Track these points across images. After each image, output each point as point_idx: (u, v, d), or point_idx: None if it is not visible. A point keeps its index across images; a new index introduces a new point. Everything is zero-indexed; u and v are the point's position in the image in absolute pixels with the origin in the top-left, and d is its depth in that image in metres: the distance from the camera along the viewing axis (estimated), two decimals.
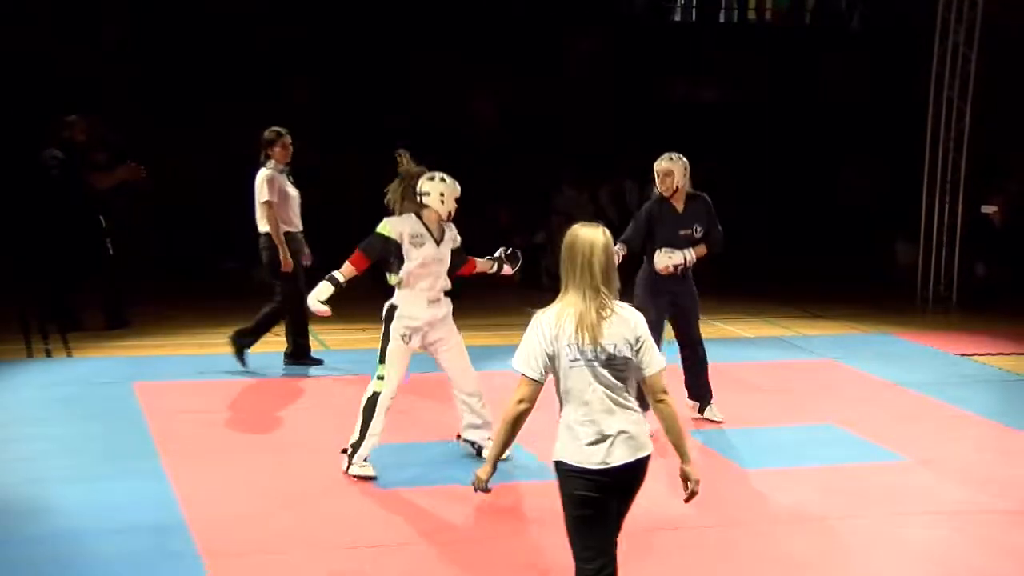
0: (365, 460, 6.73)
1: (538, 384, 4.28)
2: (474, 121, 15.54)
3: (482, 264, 7.31)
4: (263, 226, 8.98)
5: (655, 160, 7.74)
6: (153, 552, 5.68)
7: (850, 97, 16.29)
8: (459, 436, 7.24)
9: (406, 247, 6.72)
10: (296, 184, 9.19)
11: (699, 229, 7.77)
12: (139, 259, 12.37)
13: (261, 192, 8.92)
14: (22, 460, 7.06)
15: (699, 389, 8.10)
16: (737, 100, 16.44)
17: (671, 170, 7.66)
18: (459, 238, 6.99)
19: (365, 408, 6.74)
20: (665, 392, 4.33)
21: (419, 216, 6.80)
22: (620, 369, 4.28)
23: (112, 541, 5.80)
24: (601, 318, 4.25)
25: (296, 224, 9.16)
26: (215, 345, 10.39)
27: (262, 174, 8.94)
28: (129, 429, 7.71)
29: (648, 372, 4.32)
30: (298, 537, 5.92)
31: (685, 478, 4.37)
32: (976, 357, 10.33)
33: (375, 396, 6.73)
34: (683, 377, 8.04)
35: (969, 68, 12.83)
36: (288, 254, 8.96)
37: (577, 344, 4.24)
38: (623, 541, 5.65)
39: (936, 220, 13.31)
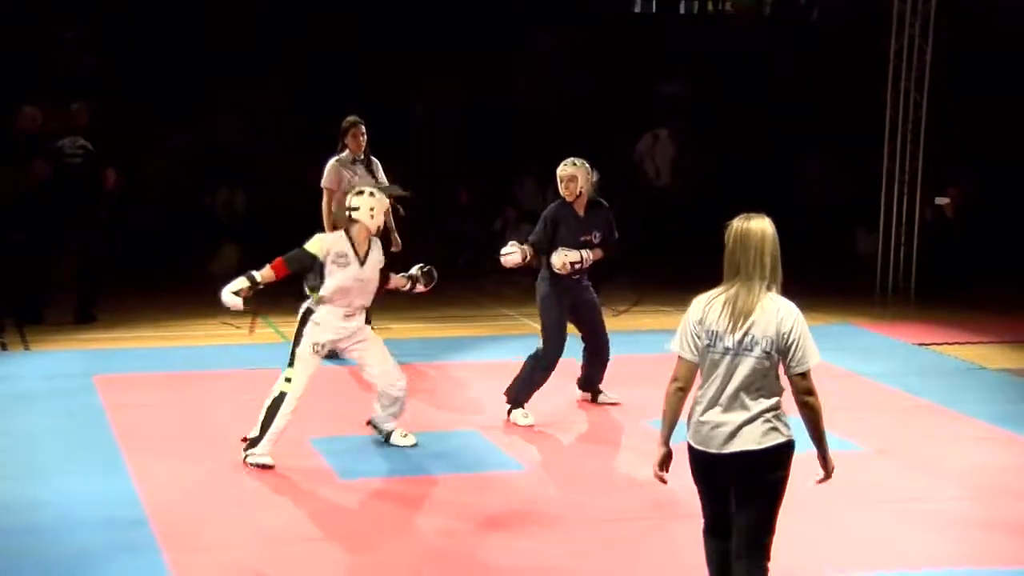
0: (264, 452, 6.72)
1: (692, 363, 4.42)
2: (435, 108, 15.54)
3: (396, 280, 7.20)
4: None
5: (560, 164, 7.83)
6: (114, 546, 5.65)
7: (808, 89, 16.39)
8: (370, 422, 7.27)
9: (329, 266, 6.71)
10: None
11: (598, 235, 7.86)
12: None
13: (324, 178, 9.03)
14: None
15: (592, 380, 8.26)
16: (697, 93, 16.51)
17: (575, 175, 7.73)
18: (383, 259, 6.94)
19: (269, 407, 6.73)
20: (812, 393, 4.33)
21: (348, 232, 6.77)
22: (754, 362, 4.31)
23: (72, 536, 5.76)
24: (754, 309, 4.31)
25: None
26: (175, 337, 10.34)
27: (330, 161, 9.03)
28: (89, 423, 7.65)
29: (796, 370, 4.32)
30: (259, 530, 5.91)
31: (823, 467, 4.47)
32: (935, 347, 10.43)
33: (281, 396, 6.72)
34: (580, 370, 8.24)
35: (925, 60, 12.95)
36: None
37: (716, 331, 4.35)
38: (581, 531, 5.67)
39: (895, 210, 13.44)
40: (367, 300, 6.91)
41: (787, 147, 16.31)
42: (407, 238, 9.22)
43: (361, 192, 6.84)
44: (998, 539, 6.04)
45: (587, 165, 7.79)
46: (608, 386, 8.61)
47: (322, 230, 8.87)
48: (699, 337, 4.40)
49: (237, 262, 13.76)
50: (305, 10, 14.92)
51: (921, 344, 10.53)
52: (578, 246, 7.75)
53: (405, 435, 7.17)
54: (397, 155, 10.69)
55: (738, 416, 4.32)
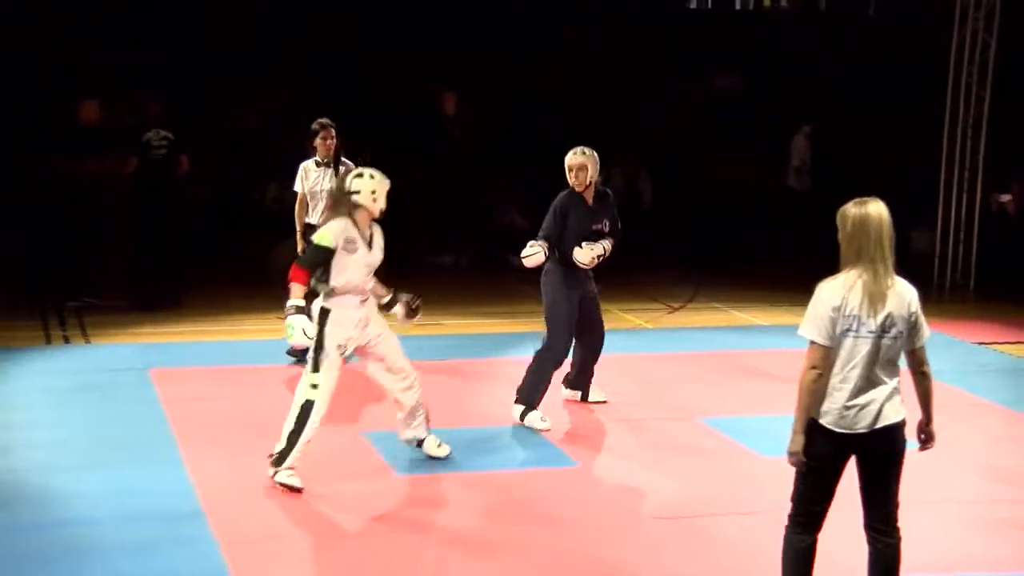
0: (292, 470, 6.42)
1: (828, 349, 4.50)
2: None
3: (378, 287, 6.84)
4: (304, 218, 8.94)
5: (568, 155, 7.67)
6: (170, 538, 5.70)
7: (865, 84, 16.21)
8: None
9: (339, 254, 6.41)
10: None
11: (607, 224, 7.79)
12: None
13: (296, 182, 8.98)
14: (39, 447, 7.10)
15: (582, 378, 8.11)
16: (758, 89, 16.39)
17: (585, 164, 7.61)
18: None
19: (298, 417, 6.42)
20: (928, 364, 4.63)
21: (351, 217, 6.48)
22: (891, 342, 4.51)
23: (128, 528, 5.82)
24: (887, 291, 4.49)
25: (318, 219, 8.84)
26: (231, 332, 10.44)
27: (301, 165, 8.96)
28: (145, 416, 7.74)
29: (918, 344, 4.59)
30: (314, 524, 5.94)
31: (923, 431, 4.73)
32: (994, 345, 10.28)
33: (309, 404, 6.42)
34: (569, 368, 8.07)
35: (988, 54, 12.75)
36: (302, 244, 8.80)
37: (859, 316, 4.47)
38: (642, 528, 5.65)
39: (954, 207, 13.25)
40: (374, 282, 6.67)
41: (843, 144, 16.15)
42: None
43: (360, 175, 6.52)
44: None
45: (595, 154, 7.67)
46: (668, 383, 8.60)
47: (294, 232, 8.88)
48: (836, 323, 4.49)
49: (292, 257, 13.91)
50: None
51: (980, 343, 10.38)
52: (589, 236, 7.67)
53: (440, 444, 6.93)
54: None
55: (880, 393, 4.52)
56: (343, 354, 6.53)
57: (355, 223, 6.47)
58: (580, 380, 8.15)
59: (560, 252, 7.63)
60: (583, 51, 16.23)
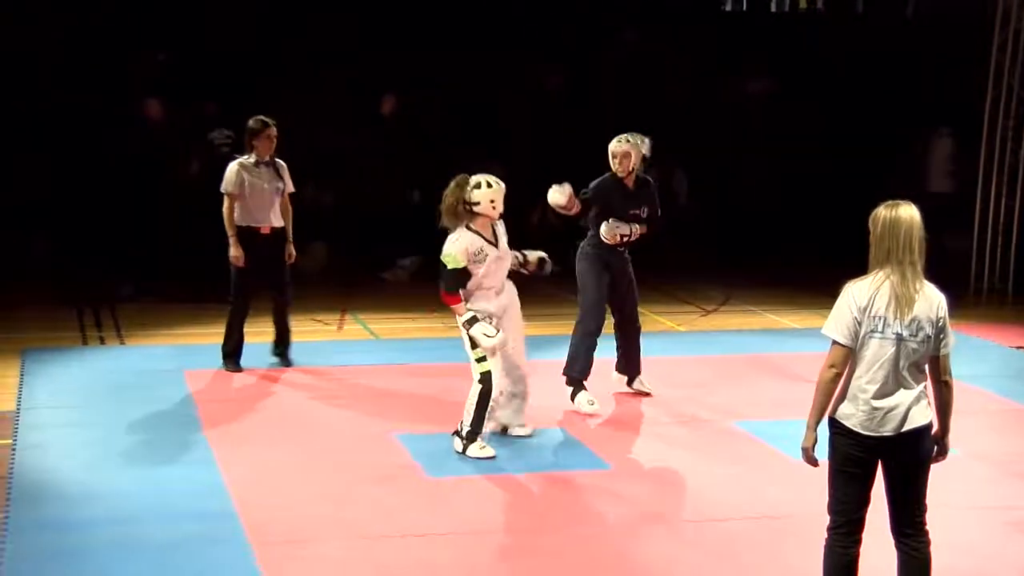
0: (483, 444, 6.89)
1: (848, 350, 4.52)
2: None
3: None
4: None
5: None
6: (203, 538, 5.73)
7: (903, 85, 16.07)
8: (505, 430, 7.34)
9: (470, 267, 6.80)
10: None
11: (646, 210, 8.01)
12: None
13: (223, 181, 8.65)
14: (74, 447, 7.15)
15: (628, 364, 8.33)
16: (794, 91, 16.27)
17: (629, 152, 7.85)
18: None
19: (480, 394, 6.82)
20: (950, 374, 4.60)
21: (469, 227, 6.82)
22: (917, 346, 4.51)
23: (162, 527, 5.85)
24: (915, 295, 4.48)
25: (259, 220, 8.74)
26: (265, 333, 10.48)
27: (231, 164, 8.70)
28: (179, 416, 7.79)
29: (943, 351, 4.56)
30: (346, 525, 5.95)
31: (937, 443, 4.65)
32: None
33: (487, 375, 6.81)
34: (616, 351, 8.33)
35: None
36: (237, 247, 8.64)
37: (885, 317, 4.48)
38: (673, 531, 5.64)
39: (992, 209, 13.11)
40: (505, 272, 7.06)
41: (882, 145, 16.01)
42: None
43: (479, 185, 6.81)
44: None
45: (645, 142, 7.90)
46: (701, 386, 8.56)
47: (224, 234, 8.68)
48: (860, 324, 4.50)
49: (326, 259, 13.97)
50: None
51: (1018, 347, 10.27)
52: (627, 220, 7.88)
53: (523, 425, 7.36)
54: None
55: (907, 396, 4.50)
56: (499, 331, 6.83)
57: (475, 231, 6.81)
58: (625, 366, 8.37)
59: (594, 231, 7.89)
60: (619, 52, 16.19)
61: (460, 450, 6.92)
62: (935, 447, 4.64)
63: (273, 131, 8.70)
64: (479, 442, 6.91)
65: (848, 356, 4.54)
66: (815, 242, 14.94)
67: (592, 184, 7.96)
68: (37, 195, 12.80)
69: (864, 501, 4.61)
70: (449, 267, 6.79)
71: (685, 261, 14.28)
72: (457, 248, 6.78)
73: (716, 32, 16.49)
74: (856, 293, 4.54)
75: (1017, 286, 13.06)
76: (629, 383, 8.37)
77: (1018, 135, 12.84)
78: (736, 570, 5.54)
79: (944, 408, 4.62)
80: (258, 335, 10.42)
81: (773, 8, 17.99)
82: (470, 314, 6.79)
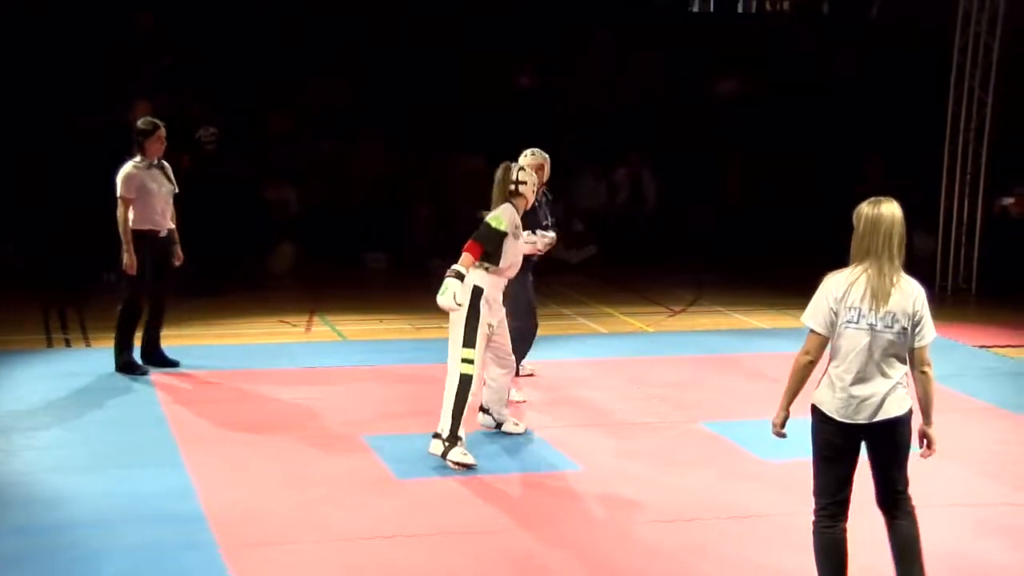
0: (463, 449, 6.76)
1: (824, 338, 4.70)
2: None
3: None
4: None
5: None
6: (171, 542, 5.70)
7: (868, 89, 16.21)
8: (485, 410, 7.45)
9: (508, 238, 6.86)
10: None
11: (552, 220, 8.26)
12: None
13: (118, 187, 8.49)
14: (41, 449, 7.10)
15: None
16: (755, 92, 16.39)
17: (543, 164, 8.06)
18: None
19: (458, 394, 6.74)
20: (929, 364, 4.73)
21: (514, 205, 6.97)
22: (893, 337, 4.64)
23: (130, 531, 5.82)
24: (891, 288, 4.62)
25: (158, 223, 8.65)
26: (232, 335, 10.45)
27: (123, 168, 8.54)
28: (147, 419, 7.74)
29: (920, 343, 4.68)
30: (316, 527, 5.94)
31: (924, 435, 4.82)
32: (996, 349, 10.28)
33: (467, 378, 6.74)
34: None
35: (991, 58, 12.74)
36: (133, 254, 8.49)
37: (860, 309, 4.62)
38: (643, 531, 5.66)
39: (955, 211, 13.23)
40: None
41: (845, 146, 16.15)
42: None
43: (523, 168, 7.07)
44: None
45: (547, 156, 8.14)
46: (669, 386, 8.61)
47: (118, 241, 8.51)
48: (836, 314, 4.65)
49: (293, 260, 13.95)
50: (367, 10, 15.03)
51: (982, 346, 10.37)
52: (542, 230, 8.07)
53: (516, 423, 7.45)
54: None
55: (883, 386, 4.64)
56: (489, 334, 6.89)
57: (516, 210, 6.95)
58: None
59: None
60: (587, 54, 16.25)
61: (439, 453, 6.80)
62: (916, 436, 4.77)
63: (163, 132, 8.63)
64: (460, 448, 6.77)
65: (823, 344, 4.70)
66: (784, 242, 15.05)
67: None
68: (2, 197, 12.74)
69: (844, 484, 4.76)
70: (493, 226, 6.83)
71: (653, 262, 14.36)
72: (505, 214, 6.88)
73: (684, 33, 16.58)
74: (833, 284, 4.70)
75: (980, 286, 13.19)
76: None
77: (980, 136, 12.97)
78: (706, 569, 5.57)
79: (924, 398, 4.75)
80: (224, 337, 10.39)
81: (740, 10, 18.12)
82: (464, 271, 6.67)
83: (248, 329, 10.73)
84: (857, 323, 4.64)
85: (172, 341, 9.45)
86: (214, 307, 11.46)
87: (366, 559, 5.60)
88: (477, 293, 6.78)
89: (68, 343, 10.09)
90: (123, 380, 8.66)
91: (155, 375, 8.78)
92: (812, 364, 4.73)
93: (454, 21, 15.29)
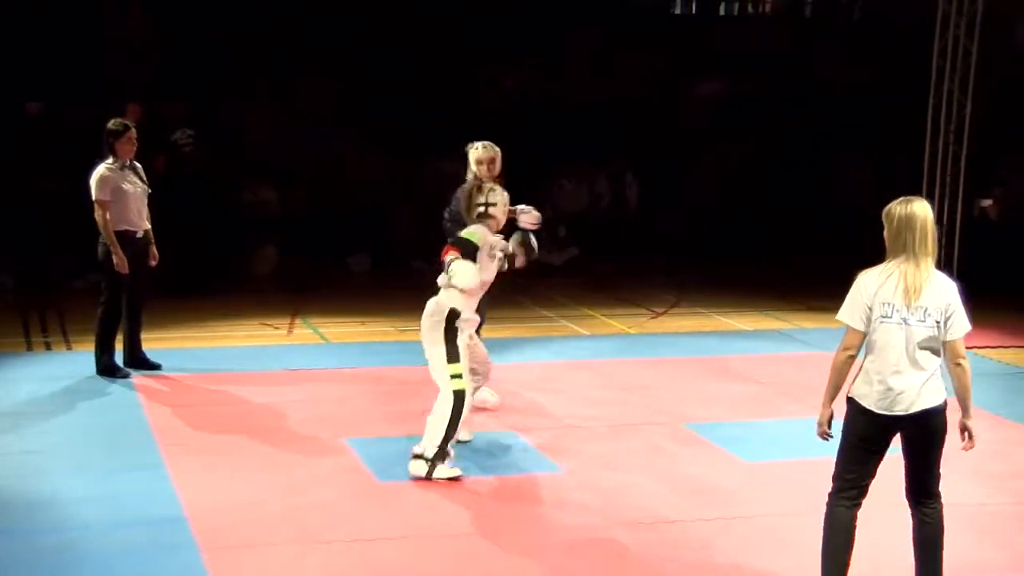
0: (450, 463, 6.66)
1: (861, 334, 4.83)
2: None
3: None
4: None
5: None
6: (152, 545, 5.69)
7: (849, 89, 16.28)
8: None
9: (482, 259, 6.71)
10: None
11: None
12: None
13: (93, 190, 8.46)
14: (22, 453, 7.07)
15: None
16: (739, 93, 16.43)
17: (494, 158, 7.99)
18: None
19: (453, 410, 6.57)
20: (963, 357, 4.87)
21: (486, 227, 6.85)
22: (927, 331, 4.79)
23: (112, 534, 5.80)
24: (924, 283, 4.78)
25: (134, 223, 8.63)
26: (214, 338, 10.43)
27: (97, 170, 8.49)
28: (129, 422, 7.72)
29: (952, 336, 4.83)
30: (296, 530, 5.93)
31: (964, 429, 4.94)
32: (976, 350, 10.30)
33: (461, 393, 6.60)
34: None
35: (970, 61, 12.80)
36: (122, 255, 8.46)
37: (893, 304, 4.78)
38: (625, 533, 5.67)
39: (936, 213, 13.28)
40: None
41: (827, 148, 16.21)
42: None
43: (493, 189, 6.94)
44: None
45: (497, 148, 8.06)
46: (651, 388, 8.61)
47: (93, 243, 8.50)
48: (871, 309, 4.80)
49: (276, 263, 13.91)
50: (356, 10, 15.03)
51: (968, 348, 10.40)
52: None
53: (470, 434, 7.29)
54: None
55: (918, 378, 4.79)
56: (469, 344, 6.81)
57: (489, 231, 6.84)
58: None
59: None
60: (568, 56, 16.26)
61: (423, 475, 6.60)
62: (959, 429, 4.90)
63: (134, 133, 8.61)
64: (446, 465, 6.65)
65: (861, 339, 4.84)
66: (765, 244, 15.09)
67: (458, 194, 7.88)
68: None
69: (871, 474, 4.92)
70: (465, 237, 6.74)
71: (635, 263, 14.38)
72: (481, 231, 6.78)
73: (666, 35, 16.62)
74: (867, 281, 4.85)
75: (960, 287, 13.24)
76: None
77: (960, 139, 13.03)
78: (689, 572, 5.58)
79: (962, 391, 4.91)
80: (206, 339, 10.36)
81: (722, 12, 18.17)
82: (455, 258, 6.61)
83: (230, 332, 10.70)
84: (891, 318, 4.78)
85: (154, 344, 9.43)
86: (196, 309, 11.43)
87: (347, 562, 5.59)
88: (454, 315, 6.64)
89: (48, 346, 10.05)
90: (104, 383, 8.63)
91: (137, 378, 8.75)
92: (852, 359, 4.87)
93: (441, 22, 15.27)
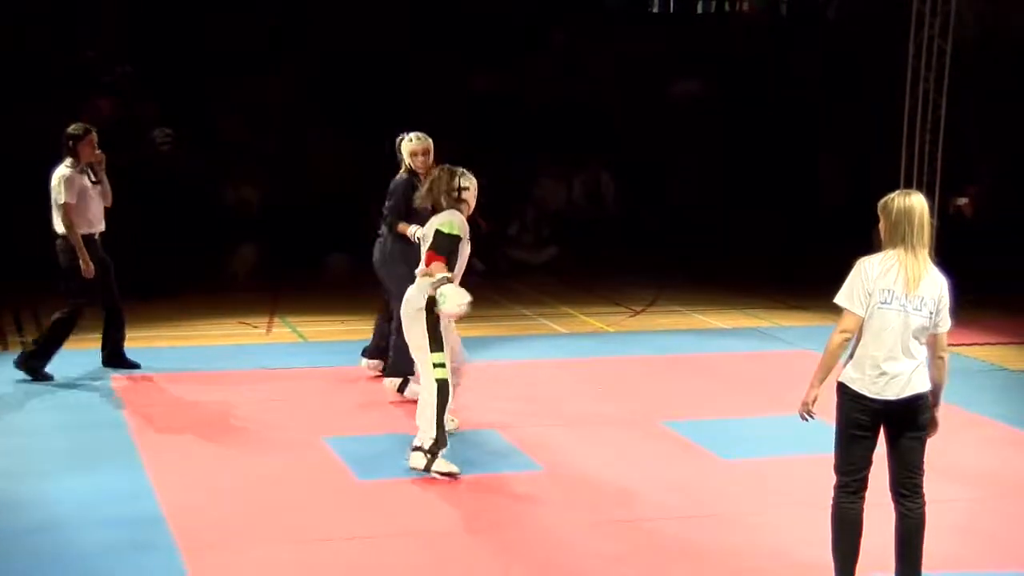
0: (443, 457, 6.66)
1: (859, 318, 4.92)
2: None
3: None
4: (60, 228, 8.46)
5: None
6: (131, 544, 5.67)
7: (825, 90, 16.35)
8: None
9: (462, 243, 6.76)
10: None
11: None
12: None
13: (58, 193, 8.41)
14: (0, 454, 7.04)
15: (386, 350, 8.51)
16: (717, 93, 16.48)
17: (428, 148, 8.09)
18: None
19: (439, 399, 6.60)
20: (946, 351, 5.05)
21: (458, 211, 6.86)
22: (921, 320, 4.92)
23: (90, 534, 5.78)
24: (923, 273, 4.90)
25: (94, 226, 8.60)
26: (192, 337, 10.40)
27: (59, 173, 8.45)
28: (106, 421, 7.69)
29: (940, 330, 4.99)
30: (276, 529, 5.92)
31: (931, 418, 5.05)
32: (952, 347, 10.34)
33: (444, 383, 6.62)
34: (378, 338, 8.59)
35: (944, 60, 12.88)
36: (88, 260, 8.42)
37: (893, 291, 4.88)
38: (605, 532, 5.69)
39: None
40: None
41: (803, 147, 16.27)
42: None
43: (464, 174, 6.91)
44: (1016, 541, 6.02)
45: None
46: (629, 386, 8.63)
47: (69, 252, 8.39)
48: (870, 295, 4.89)
49: (256, 261, 13.88)
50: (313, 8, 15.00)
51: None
52: (426, 217, 7.80)
53: (452, 420, 7.26)
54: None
55: (909, 364, 4.92)
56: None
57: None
58: (385, 351, 8.45)
59: (393, 232, 8.08)
60: (548, 55, 16.27)
61: (422, 467, 6.65)
62: (930, 413, 5.02)
63: (94, 136, 8.57)
64: (442, 459, 6.68)
65: (858, 323, 4.92)
66: (742, 242, 15.15)
67: (394, 186, 8.10)
68: None
69: (867, 462, 4.99)
70: (446, 232, 6.72)
71: (613, 262, 14.41)
72: (456, 219, 6.77)
73: (644, 34, 16.64)
74: (868, 267, 4.95)
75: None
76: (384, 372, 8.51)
77: (935, 138, 13.10)
78: (669, 569, 5.60)
79: (939, 382, 5.04)
80: (183, 339, 10.33)
81: (699, 10, 18.21)
82: (450, 275, 6.60)
83: (208, 331, 10.67)
84: (890, 304, 4.89)
85: (132, 343, 9.38)
86: (174, 308, 11.39)
87: (325, 560, 5.59)
88: (431, 302, 6.64)
89: (24, 345, 9.97)
90: (82, 382, 8.59)
91: (115, 377, 8.72)
92: (847, 342, 4.95)
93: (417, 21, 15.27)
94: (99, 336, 9.51)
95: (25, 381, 8.57)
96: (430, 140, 8.10)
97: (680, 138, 16.12)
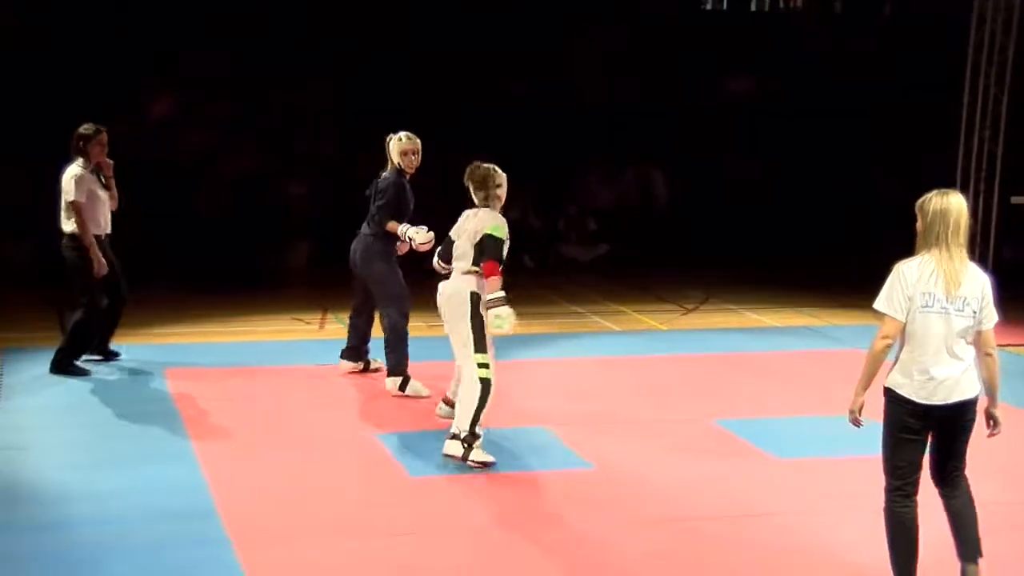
0: (480, 447, 6.77)
1: (900, 323, 4.88)
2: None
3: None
4: (68, 227, 8.49)
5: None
6: (185, 538, 5.71)
7: (880, 86, 16.16)
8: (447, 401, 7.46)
9: (506, 244, 6.86)
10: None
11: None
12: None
13: (68, 191, 8.44)
14: (54, 447, 7.12)
15: (363, 347, 8.78)
16: (773, 91, 16.35)
17: (417, 148, 8.12)
18: None
19: (480, 398, 6.71)
20: (994, 347, 4.97)
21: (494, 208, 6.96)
22: (965, 320, 4.86)
23: (143, 527, 5.83)
24: (962, 273, 4.86)
25: (102, 226, 8.64)
26: (246, 333, 10.48)
27: (70, 172, 8.48)
28: (160, 415, 7.76)
29: (985, 327, 4.92)
30: (329, 524, 5.94)
31: (990, 417, 5.03)
32: (1011, 347, 10.22)
33: (487, 382, 6.72)
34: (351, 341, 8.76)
35: (1006, 55, 12.69)
36: (100, 258, 8.47)
37: (934, 293, 4.83)
38: (656, 531, 5.66)
39: (971, 209, 13.17)
40: None
41: (857, 144, 16.10)
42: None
43: (498, 171, 6.97)
44: None
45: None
46: (682, 385, 8.58)
47: (78, 251, 8.43)
48: (911, 299, 4.84)
49: (308, 258, 13.97)
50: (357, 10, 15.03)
51: (997, 345, 10.30)
52: (413, 217, 8.14)
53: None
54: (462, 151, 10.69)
55: (957, 368, 4.87)
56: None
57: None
58: (360, 351, 8.66)
59: (379, 230, 8.12)
60: (598, 53, 16.23)
61: (459, 455, 6.77)
62: (984, 416, 4.98)
63: (105, 137, 8.60)
64: (479, 449, 6.77)
65: (899, 329, 4.88)
66: (794, 241, 15.02)
67: (384, 185, 8.12)
68: (17, 199, 12.78)
69: (918, 465, 4.95)
70: (497, 237, 6.79)
71: (665, 260, 14.35)
72: (503, 222, 6.87)
73: (697, 32, 16.54)
74: (906, 271, 4.89)
75: (998, 283, 13.11)
76: (366, 368, 8.73)
77: (995, 135, 12.92)
78: (719, 569, 5.56)
79: (991, 380, 4.98)
80: (237, 334, 10.41)
81: (753, 8, 18.07)
82: (503, 295, 6.70)
83: (261, 327, 10.75)
84: (932, 307, 4.83)
85: (187, 338, 9.51)
86: (228, 305, 11.48)
87: (379, 556, 5.60)
88: (475, 299, 6.76)
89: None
90: (138, 377, 8.69)
91: (168, 371, 8.80)
92: (889, 348, 4.91)
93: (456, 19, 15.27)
94: (153, 331, 9.67)
95: (75, 376, 8.68)
96: (418, 140, 8.16)
97: (734, 136, 16.01)
